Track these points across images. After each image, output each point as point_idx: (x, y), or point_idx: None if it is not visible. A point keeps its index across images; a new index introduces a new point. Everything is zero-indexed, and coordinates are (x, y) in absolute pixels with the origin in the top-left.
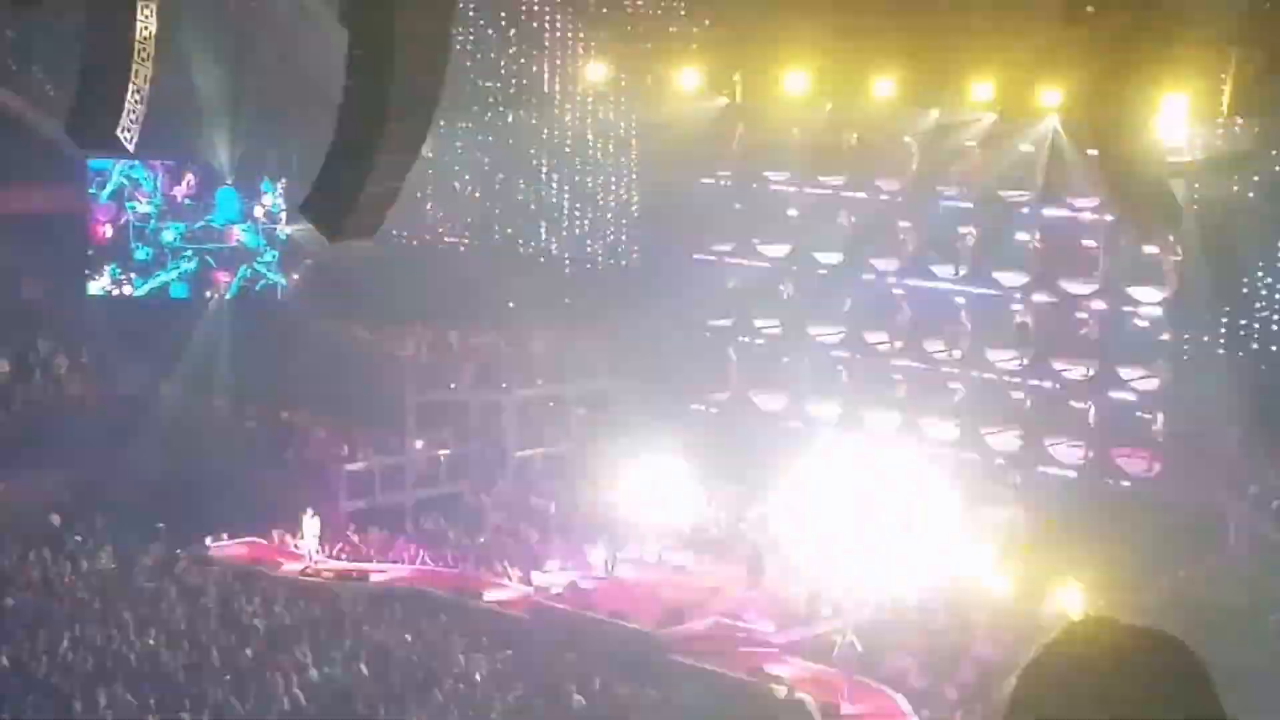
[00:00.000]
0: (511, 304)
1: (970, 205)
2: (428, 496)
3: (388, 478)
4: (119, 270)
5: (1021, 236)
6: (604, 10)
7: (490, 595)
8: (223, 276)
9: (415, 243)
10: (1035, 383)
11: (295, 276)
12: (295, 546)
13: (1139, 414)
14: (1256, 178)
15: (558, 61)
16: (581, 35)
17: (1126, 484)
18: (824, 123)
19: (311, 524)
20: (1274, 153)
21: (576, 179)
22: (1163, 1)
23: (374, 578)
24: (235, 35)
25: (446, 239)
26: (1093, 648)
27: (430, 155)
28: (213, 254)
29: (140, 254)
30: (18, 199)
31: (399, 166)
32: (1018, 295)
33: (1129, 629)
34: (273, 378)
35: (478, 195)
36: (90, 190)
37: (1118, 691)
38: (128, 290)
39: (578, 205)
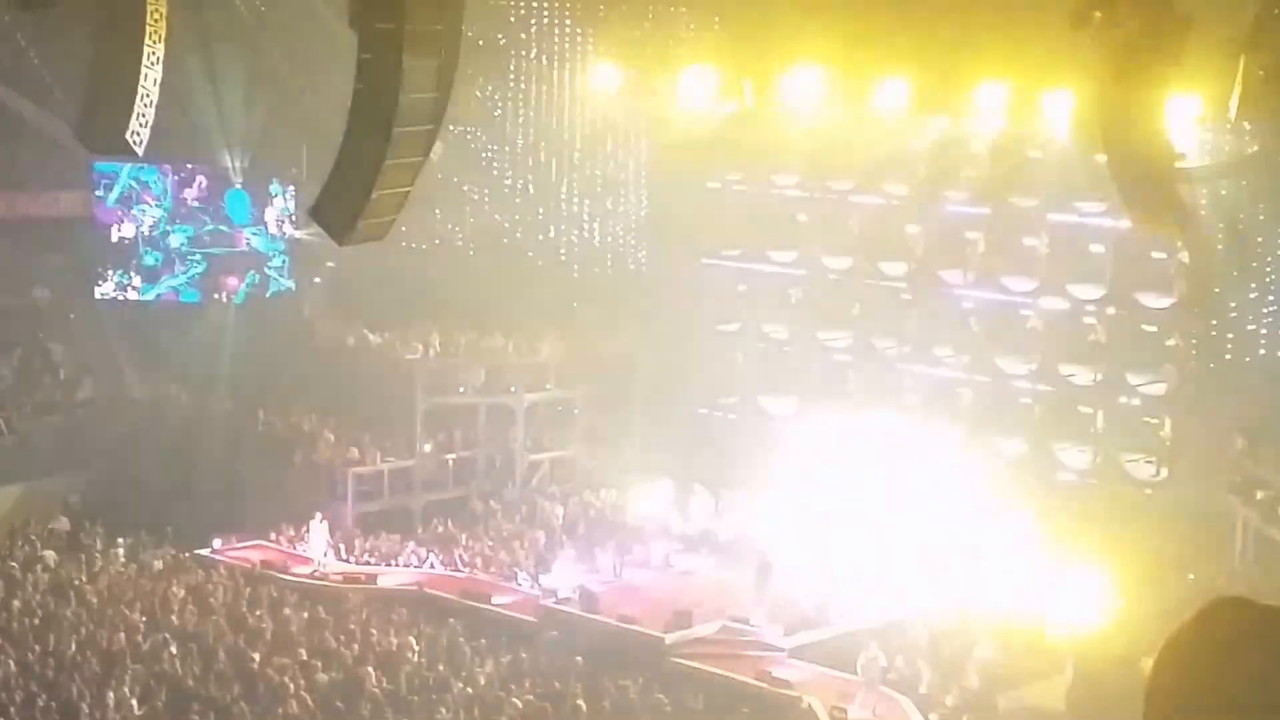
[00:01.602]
0: (520, 308)
1: (978, 210)
2: (436, 500)
3: (396, 481)
4: (126, 275)
5: (1030, 242)
6: (614, 14)
7: (498, 599)
8: (231, 281)
9: (424, 247)
10: (1043, 388)
11: (304, 280)
12: (304, 550)
13: (1146, 419)
14: (1265, 182)
15: (568, 66)
16: (592, 39)
17: (1133, 489)
18: (833, 128)
19: (320, 528)
20: None
21: (586, 183)
22: (1172, 6)
23: (382, 581)
24: (246, 38)
25: (455, 243)
26: (1231, 628)
27: (439, 159)
28: (221, 258)
29: (149, 258)
30: (28, 203)
31: (408, 170)
32: (1027, 300)
33: (1266, 609)
34: (281, 381)
35: (487, 199)
36: (97, 193)
37: (1258, 671)
38: (133, 295)
39: (587, 209)
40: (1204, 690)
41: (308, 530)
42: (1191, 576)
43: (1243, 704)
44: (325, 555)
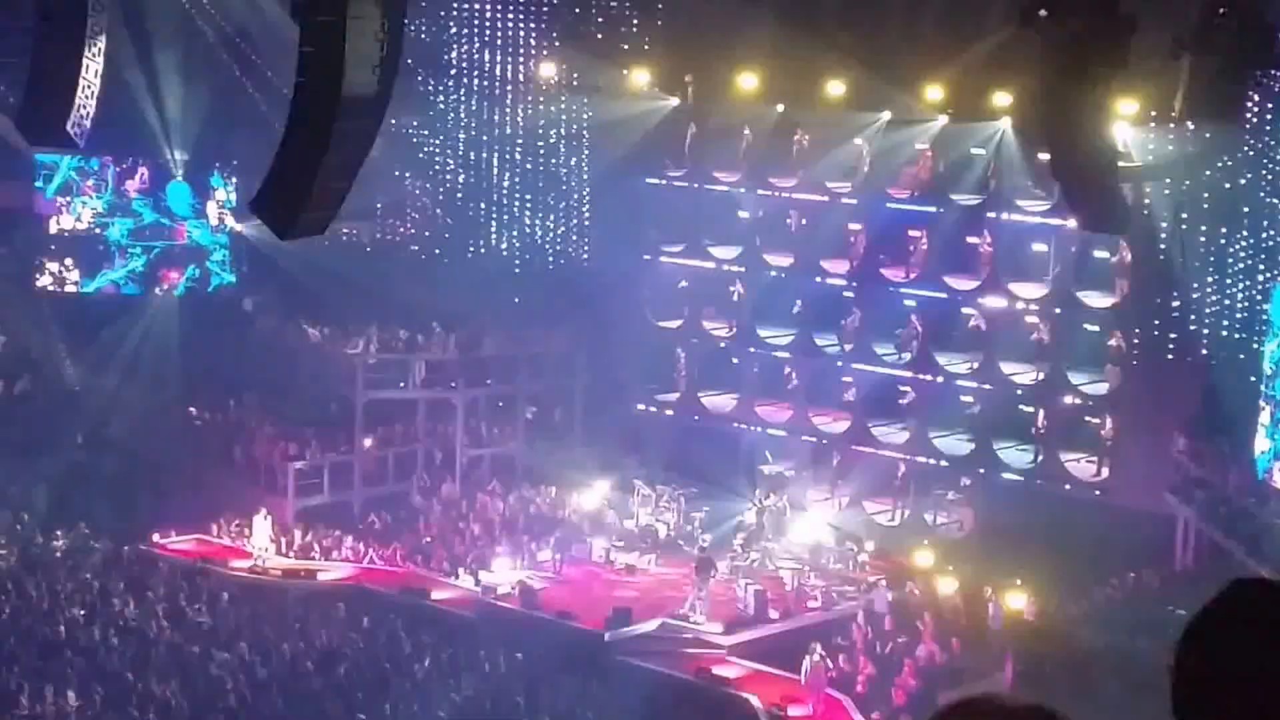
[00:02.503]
0: (461, 303)
1: (921, 208)
2: (376, 495)
3: (336, 475)
4: (66, 267)
5: (972, 240)
6: (556, 9)
7: (438, 594)
8: (172, 274)
9: (365, 241)
10: (985, 386)
11: (244, 274)
12: (244, 544)
13: (1088, 418)
14: (1208, 182)
15: (510, 60)
16: (534, 34)
17: (1074, 488)
18: (775, 124)
19: (264, 523)
20: (1225, 158)
21: (527, 179)
22: (1116, 6)
23: (321, 576)
24: (187, 29)
25: (396, 237)
26: (1256, 609)
27: (380, 153)
28: (162, 251)
29: (88, 251)
30: None
31: (349, 164)
32: (969, 299)
33: None
34: (221, 375)
35: (428, 194)
36: (37, 184)
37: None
38: (72, 288)
39: (528, 205)
40: (1233, 673)
41: (248, 524)
42: (1132, 575)
43: (1274, 685)
44: (266, 550)
